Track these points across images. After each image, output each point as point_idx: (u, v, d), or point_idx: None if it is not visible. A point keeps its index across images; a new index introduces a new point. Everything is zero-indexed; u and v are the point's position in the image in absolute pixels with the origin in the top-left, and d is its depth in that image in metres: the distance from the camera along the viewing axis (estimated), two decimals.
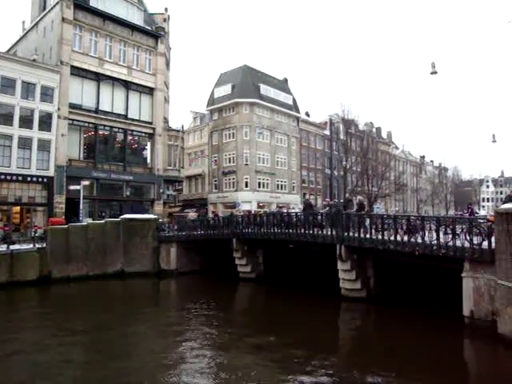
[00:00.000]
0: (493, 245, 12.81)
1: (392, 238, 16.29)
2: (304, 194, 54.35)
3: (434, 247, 14.76)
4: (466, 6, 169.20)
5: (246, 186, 48.15)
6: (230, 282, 23.94)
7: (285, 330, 14.31)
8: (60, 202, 30.95)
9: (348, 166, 49.24)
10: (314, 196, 57.05)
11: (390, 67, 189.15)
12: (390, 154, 70.30)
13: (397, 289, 18.34)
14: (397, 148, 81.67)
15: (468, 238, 13.78)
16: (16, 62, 29.89)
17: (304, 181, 56.25)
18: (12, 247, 23.07)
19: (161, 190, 37.78)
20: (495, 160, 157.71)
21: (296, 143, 55.20)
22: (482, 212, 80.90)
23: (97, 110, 34.24)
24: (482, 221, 14.89)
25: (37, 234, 26.01)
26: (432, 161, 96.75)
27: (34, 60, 31.16)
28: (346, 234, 18.13)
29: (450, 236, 14.41)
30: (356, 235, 17.76)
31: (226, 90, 51.11)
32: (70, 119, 32.14)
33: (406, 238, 15.84)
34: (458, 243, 14.04)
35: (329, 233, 19.11)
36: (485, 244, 13.27)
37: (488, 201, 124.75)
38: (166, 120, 39.91)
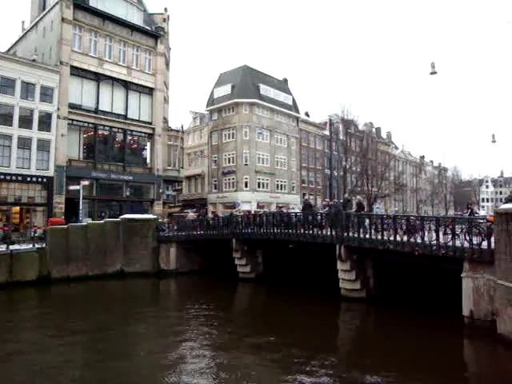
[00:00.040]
0: (492, 245, 12.82)
1: (392, 238, 16.30)
2: (304, 194, 54.35)
3: (434, 247, 14.77)
4: (466, 6, 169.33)
5: (246, 186, 48.16)
6: (230, 282, 23.94)
7: (284, 330, 14.31)
8: (60, 202, 30.96)
9: (348, 166, 49.29)
10: (313, 196, 57.03)
11: (389, 67, 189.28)
12: (389, 154, 70.33)
13: (396, 289, 18.34)
14: (396, 148, 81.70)
15: (467, 238, 13.79)
16: (16, 62, 29.89)
17: (304, 181, 56.26)
18: (11, 247, 23.03)
19: (160, 190, 37.78)
20: (495, 160, 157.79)
21: (296, 143, 55.21)
22: (482, 212, 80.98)
23: (96, 110, 34.23)
24: (481, 221, 14.91)
25: (36, 234, 25.97)
26: (432, 161, 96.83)
27: (34, 60, 31.19)
28: (345, 234, 18.13)
29: (450, 236, 14.41)
30: (356, 235, 17.76)
31: (225, 90, 51.11)
32: (69, 119, 32.14)
33: (405, 238, 15.85)
34: (458, 243, 14.05)
35: (328, 233, 19.11)
36: (484, 244, 13.28)
37: (487, 201, 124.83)
38: (165, 120, 39.91)
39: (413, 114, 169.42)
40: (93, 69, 33.96)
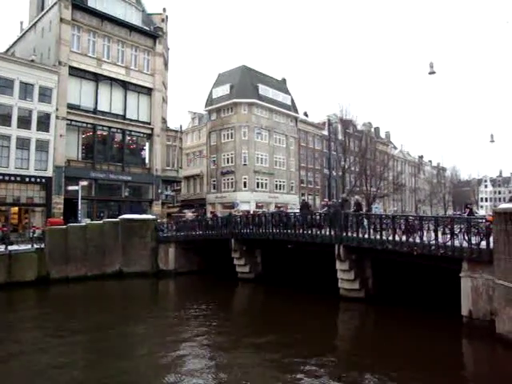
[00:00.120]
0: (491, 245, 12.84)
1: (390, 238, 16.32)
2: (302, 194, 54.35)
3: (433, 247, 14.79)
4: (465, 6, 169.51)
5: (245, 186, 48.15)
6: (229, 282, 23.94)
7: (283, 329, 14.31)
8: (58, 202, 30.95)
9: (346, 166, 49.25)
10: (312, 196, 57.06)
11: (388, 67, 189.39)
12: (388, 154, 70.35)
13: (395, 289, 18.36)
14: (395, 148, 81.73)
15: (466, 237, 13.82)
16: (14, 62, 29.86)
17: (302, 181, 56.25)
18: (10, 248, 23.00)
19: (159, 191, 37.78)
20: (493, 160, 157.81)
21: (294, 143, 55.21)
22: (482, 212, 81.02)
23: (95, 111, 34.21)
24: (480, 221, 14.92)
25: (35, 235, 25.96)
26: (430, 161, 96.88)
27: (32, 60, 31.15)
28: (344, 234, 18.15)
29: (449, 236, 14.43)
30: (354, 235, 17.78)
31: (224, 90, 51.09)
32: (68, 120, 32.12)
33: (404, 238, 15.87)
34: (457, 243, 14.07)
35: (327, 233, 19.12)
36: (483, 244, 13.31)
37: (486, 201, 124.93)
38: (164, 120, 39.90)
39: (411, 114, 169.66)
40: (91, 69, 33.94)
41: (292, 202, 50.23)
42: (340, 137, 54.39)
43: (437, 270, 16.85)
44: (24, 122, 29.60)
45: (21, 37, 38.78)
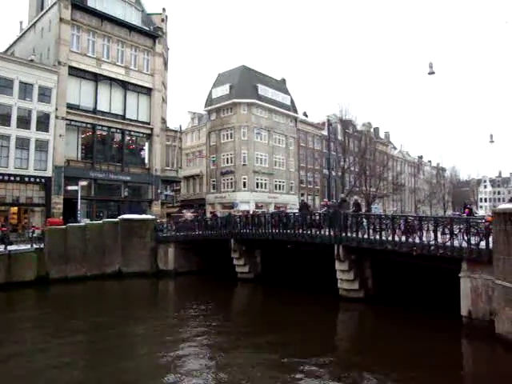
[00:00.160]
0: (490, 245, 12.84)
1: (390, 238, 16.30)
2: (302, 195, 54.34)
3: (432, 247, 14.78)
4: (464, 7, 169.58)
5: (244, 186, 48.13)
6: (228, 282, 23.94)
7: (283, 330, 14.31)
8: (58, 202, 30.94)
9: (346, 167, 49.30)
10: (312, 196, 57.06)
11: (387, 67, 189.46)
12: (387, 155, 70.35)
13: (395, 289, 18.36)
14: (395, 148, 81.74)
15: (466, 238, 13.81)
16: (14, 62, 29.86)
17: (302, 181, 56.25)
18: (10, 248, 23.02)
19: (159, 191, 37.77)
20: (493, 160, 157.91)
21: (294, 143, 55.20)
22: (481, 212, 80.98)
23: (95, 111, 34.21)
24: (479, 221, 14.92)
25: (34, 235, 25.95)
26: (430, 161, 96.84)
27: (32, 60, 31.13)
28: (343, 234, 18.14)
29: (448, 236, 14.43)
30: (354, 235, 17.78)
31: (223, 90, 51.06)
32: (67, 119, 32.12)
33: (403, 238, 15.85)
34: (456, 243, 14.07)
35: (327, 233, 19.11)
36: (482, 244, 13.30)
37: (486, 201, 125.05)
38: (163, 120, 39.89)
39: (411, 114, 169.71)
40: (91, 69, 33.94)
41: (291, 203, 50.24)
42: (339, 137, 54.47)
43: (436, 270, 16.84)
44: (23, 122, 29.61)
45: (20, 37, 38.80)
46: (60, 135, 31.27)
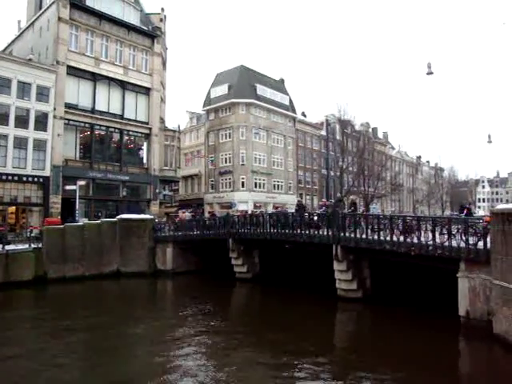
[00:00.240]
0: (488, 245, 12.85)
1: (388, 238, 16.31)
2: (300, 195, 54.37)
3: (430, 247, 14.80)
4: (462, 7, 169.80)
5: (243, 186, 48.14)
6: (227, 282, 23.92)
7: (281, 330, 14.28)
8: (56, 202, 30.90)
9: (344, 167, 49.28)
10: (310, 196, 57.13)
11: (386, 67, 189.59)
12: (386, 155, 70.39)
13: (393, 289, 18.37)
14: (393, 148, 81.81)
15: (464, 238, 13.83)
16: (12, 61, 29.80)
17: (300, 181, 56.29)
18: (7, 247, 22.96)
19: (157, 190, 37.75)
20: (491, 160, 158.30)
21: (292, 143, 55.23)
22: (481, 212, 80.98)
23: (93, 110, 34.17)
24: (477, 221, 14.95)
25: (32, 234, 25.91)
26: (428, 161, 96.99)
27: (30, 59, 31.07)
28: (342, 234, 18.14)
29: (446, 236, 14.44)
30: (352, 235, 17.78)
31: (222, 90, 51.06)
32: (66, 119, 32.08)
33: (401, 238, 15.86)
34: (454, 243, 14.08)
35: (325, 233, 19.11)
36: (480, 244, 13.32)
37: (484, 201, 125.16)
38: (162, 120, 39.85)
39: (409, 115, 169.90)
40: (89, 68, 33.90)
41: (290, 202, 50.22)
42: (338, 137, 54.41)
43: (434, 270, 16.87)
44: (22, 122, 29.56)
45: (18, 36, 38.75)
46: (58, 135, 31.23)
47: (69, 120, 32.45)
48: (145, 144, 38.11)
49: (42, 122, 30.62)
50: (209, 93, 53.11)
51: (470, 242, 13.60)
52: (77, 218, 29.05)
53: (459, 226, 14.49)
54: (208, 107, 52.04)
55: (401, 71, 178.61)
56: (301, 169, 56.39)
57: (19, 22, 40.38)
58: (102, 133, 35.09)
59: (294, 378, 10.07)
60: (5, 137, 28.78)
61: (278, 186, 52.36)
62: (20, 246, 23.96)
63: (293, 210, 30.56)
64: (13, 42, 39.59)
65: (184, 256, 27.29)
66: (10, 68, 29.13)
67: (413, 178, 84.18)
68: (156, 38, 38.39)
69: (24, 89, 29.83)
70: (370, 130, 69.41)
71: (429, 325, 14.16)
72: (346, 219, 18.58)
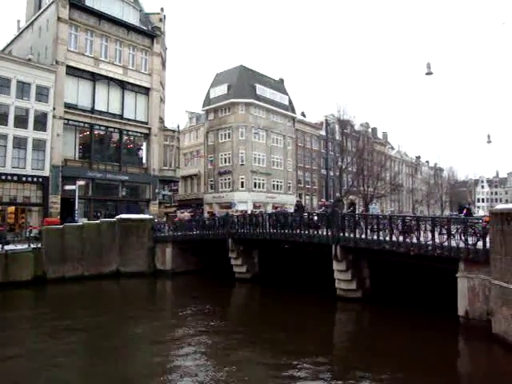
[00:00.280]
0: (487, 245, 12.86)
1: (387, 238, 16.32)
2: (300, 195, 54.36)
3: (429, 247, 14.80)
4: (462, 7, 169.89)
5: (242, 186, 48.14)
6: (226, 282, 23.91)
7: (280, 330, 14.27)
8: (55, 201, 30.87)
9: (344, 167, 49.27)
10: (309, 196, 57.12)
11: (385, 67, 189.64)
12: (385, 155, 70.38)
13: (392, 289, 18.37)
14: (392, 148, 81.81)
15: (463, 238, 13.84)
16: (11, 61, 29.78)
17: (300, 181, 56.30)
18: (6, 247, 22.92)
19: (156, 190, 37.73)
20: (490, 161, 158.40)
21: (292, 143, 55.23)
22: (481, 212, 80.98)
23: (92, 110, 34.16)
24: (476, 221, 14.96)
25: (32, 234, 25.91)
26: (427, 161, 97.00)
27: (29, 59, 31.04)
28: (341, 234, 18.14)
29: (445, 236, 14.45)
30: (351, 235, 17.78)
31: (221, 90, 51.06)
32: (65, 119, 32.06)
33: (401, 238, 15.87)
34: (453, 243, 14.09)
35: (324, 233, 19.11)
36: (479, 244, 13.33)
37: (483, 201, 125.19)
38: (161, 120, 39.84)
39: (409, 115, 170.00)
40: (89, 68, 33.88)
41: (289, 203, 50.23)
42: (337, 137, 54.38)
43: (434, 270, 16.88)
44: (21, 122, 29.53)
45: (18, 36, 38.70)
46: (57, 135, 31.20)
47: (68, 120, 32.43)
48: (144, 144, 38.10)
49: (41, 121, 30.59)
50: (208, 93, 53.12)
51: (470, 242, 13.62)
52: (76, 218, 29.04)
53: (458, 226, 14.51)
54: (207, 107, 52.04)
55: (400, 71, 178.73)
56: (300, 169, 56.40)
57: (18, 21, 40.38)
58: (102, 133, 35.08)
59: (293, 377, 10.06)
60: (4, 137, 28.76)
61: (278, 185, 52.37)
62: (19, 246, 23.93)
63: (292, 210, 30.64)
64: (12, 41, 39.55)
65: (183, 256, 27.29)
66: (9, 68, 29.11)
67: (412, 178, 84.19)
68: (155, 38, 38.37)
69: (23, 89, 29.81)
70: (370, 130, 69.45)
71: (428, 325, 14.16)
72: (346, 219, 18.57)
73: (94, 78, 34.36)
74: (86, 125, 33.96)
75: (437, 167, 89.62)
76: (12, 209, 30.81)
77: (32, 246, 24.06)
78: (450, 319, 13.95)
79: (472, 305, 13.33)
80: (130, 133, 37.02)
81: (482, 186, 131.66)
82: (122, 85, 36.19)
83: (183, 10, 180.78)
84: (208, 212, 43.21)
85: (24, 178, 29.72)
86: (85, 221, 29.26)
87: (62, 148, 31.65)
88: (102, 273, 25.63)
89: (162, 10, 40.45)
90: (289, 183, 54.23)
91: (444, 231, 14.68)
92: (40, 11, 34.84)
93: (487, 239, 12.95)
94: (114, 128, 35.59)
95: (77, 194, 29.47)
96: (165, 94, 42.79)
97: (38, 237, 25.11)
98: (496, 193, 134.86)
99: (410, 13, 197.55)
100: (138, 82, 37.18)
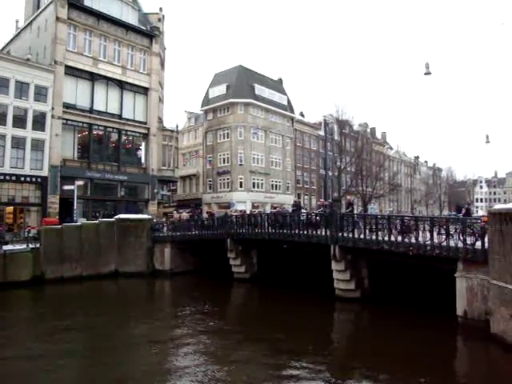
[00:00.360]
0: (486, 245, 12.88)
1: (386, 238, 16.34)
2: (298, 195, 54.37)
3: (428, 247, 14.83)
4: (461, 8, 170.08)
5: (241, 186, 48.11)
6: (225, 282, 23.92)
7: (279, 330, 14.26)
8: (54, 202, 30.82)
9: (342, 167, 49.28)
10: (308, 196, 57.11)
11: (384, 68, 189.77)
12: (384, 155, 70.48)
13: (391, 289, 18.40)
14: (391, 148, 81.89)
15: (461, 238, 13.86)
16: (9, 61, 29.72)
17: (298, 181, 56.27)
18: (5, 247, 22.93)
19: (155, 190, 37.70)
20: (489, 161, 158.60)
21: (290, 143, 55.20)
22: (481, 212, 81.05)
23: (91, 110, 34.11)
24: (474, 221, 14.98)
25: (30, 235, 25.86)
26: (426, 161, 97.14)
27: (28, 59, 30.97)
28: (340, 234, 18.15)
29: (444, 236, 14.47)
30: (350, 235, 17.79)
31: (220, 90, 51.03)
32: (64, 119, 32.00)
33: (399, 238, 15.89)
34: (452, 243, 14.11)
35: (323, 233, 19.12)
36: (478, 244, 13.35)
37: (482, 201, 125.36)
38: (160, 120, 39.82)
39: (407, 115, 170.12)
40: (87, 68, 33.83)
41: (288, 203, 50.13)
42: (336, 137, 54.39)
43: (432, 270, 16.91)
44: (19, 121, 29.46)
45: (16, 35, 38.61)
46: (56, 135, 31.14)
47: (67, 120, 32.38)
48: (143, 144, 38.06)
49: (39, 121, 30.53)
50: (207, 93, 53.08)
51: (468, 242, 13.64)
52: (75, 218, 29.00)
53: (457, 226, 14.53)
54: (206, 107, 52.00)
55: (399, 71, 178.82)
56: (299, 169, 56.37)
57: (17, 21, 40.28)
58: (100, 133, 35.03)
59: (292, 377, 10.07)
60: (3, 137, 28.71)
61: (276, 185, 52.35)
62: (18, 246, 23.91)
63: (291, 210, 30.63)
64: (10, 41, 39.47)
65: (182, 256, 27.29)
66: (7, 68, 29.05)
67: (411, 178, 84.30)
68: (154, 38, 38.34)
69: (22, 88, 29.75)
70: (368, 130, 69.47)
71: (427, 324, 14.18)
72: (344, 219, 18.58)
73: (92, 77, 34.31)
74: (85, 125, 33.92)
75: (435, 167, 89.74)
76: (10, 209, 30.76)
77: (30, 246, 24.04)
78: (449, 319, 13.98)
79: (470, 305, 13.35)
80: (129, 133, 36.97)
81: (481, 186, 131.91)
82: (121, 85, 36.16)
83: (182, 9, 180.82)
84: (207, 212, 43.12)
85: (22, 178, 29.66)
86: (83, 221, 29.20)
87: (60, 148, 31.57)
88: (101, 273, 25.61)
89: (160, 9, 40.40)
90: (287, 183, 54.21)
91: (443, 231, 14.71)
92: (38, 11, 34.78)
93: (486, 239, 12.97)
94: (113, 128, 35.54)
95: (75, 194, 29.44)
96: (163, 93, 42.77)
97: (37, 237, 25.05)
98: (494, 193, 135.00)
99: (409, 13, 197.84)
100: (136, 82, 37.14)
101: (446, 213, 71.00)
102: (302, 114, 61.87)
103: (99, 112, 34.51)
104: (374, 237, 16.87)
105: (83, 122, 33.74)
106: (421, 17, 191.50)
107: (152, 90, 38.03)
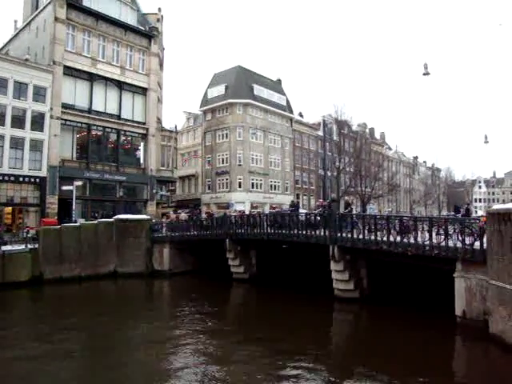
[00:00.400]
0: (484, 245, 12.89)
1: (385, 238, 16.34)
2: (297, 195, 54.39)
3: (427, 248, 14.84)
4: (459, 8, 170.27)
5: (240, 186, 48.10)
6: (224, 282, 23.91)
7: (278, 330, 14.29)
8: (52, 202, 30.78)
9: (341, 167, 49.29)
10: (307, 196, 57.11)
11: (383, 68, 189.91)
12: (383, 155, 70.53)
13: (390, 289, 18.41)
14: (390, 149, 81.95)
15: (460, 238, 13.87)
16: (8, 61, 29.68)
17: (297, 181, 56.26)
18: (4, 248, 22.89)
19: (154, 191, 37.69)
20: (487, 161, 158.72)
21: (289, 144, 55.20)
22: (480, 212, 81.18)
23: (90, 110, 34.08)
24: (473, 221, 15.00)
25: (29, 235, 25.78)
26: (425, 161, 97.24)
27: (27, 59, 30.93)
28: (338, 234, 18.15)
29: (443, 236, 14.48)
30: (349, 236, 17.79)
31: (219, 90, 51.03)
32: (62, 119, 31.97)
33: (398, 238, 15.90)
34: (451, 244, 14.12)
35: (322, 233, 19.12)
36: (477, 244, 13.37)
37: (480, 201, 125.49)
38: (159, 120, 39.81)
39: (406, 115, 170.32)
40: (86, 69, 33.80)
41: (287, 203, 50.23)
42: (335, 137, 54.42)
43: (431, 270, 16.91)
44: (18, 122, 29.43)
45: (15, 36, 38.56)
46: (55, 135, 31.12)
47: (65, 120, 32.35)
48: (142, 144, 38.05)
49: (38, 122, 30.50)
50: (206, 93, 53.08)
51: (467, 242, 13.65)
52: (73, 219, 28.97)
53: (456, 227, 14.55)
54: (205, 107, 51.99)
55: (398, 72, 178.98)
56: (298, 169, 56.37)
57: (15, 21, 40.21)
58: (99, 133, 35.00)
59: (291, 377, 10.07)
60: (1, 137, 28.67)
61: (275, 186, 52.35)
62: (16, 247, 23.88)
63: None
64: (9, 41, 39.42)
65: (181, 256, 27.27)
66: (6, 68, 29.01)
67: (410, 179, 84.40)
68: (153, 38, 38.33)
69: (20, 89, 29.72)
70: (367, 130, 69.50)
71: (425, 325, 14.20)
72: (343, 219, 18.58)
73: (91, 78, 34.28)
74: (84, 125, 33.88)
75: (434, 167, 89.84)
76: (9, 209, 30.68)
77: (29, 246, 23.99)
78: (448, 319, 13.99)
79: (469, 305, 13.37)
80: (128, 133, 36.95)
81: (480, 187, 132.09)
82: (120, 85, 36.14)
83: (181, 10, 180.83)
84: (206, 212, 43.09)
85: (21, 179, 29.63)
86: (82, 221, 29.19)
87: (59, 148, 31.53)
88: (100, 273, 25.57)
89: (159, 10, 40.41)
90: (286, 183, 54.21)
91: (441, 231, 14.72)
92: (37, 11, 34.72)
93: (484, 239, 12.99)
94: (112, 128, 35.52)
95: (74, 195, 29.41)
96: (162, 94, 42.76)
97: (36, 237, 25.00)
98: (493, 193, 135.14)
99: (408, 13, 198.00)
100: (135, 83, 37.12)
101: (444, 213, 71.09)
102: (300, 115, 61.90)
103: (98, 112, 34.49)
104: (372, 237, 16.87)
105: (82, 123, 33.71)
106: (420, 17, 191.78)
107: (151, 90, 38.01)
